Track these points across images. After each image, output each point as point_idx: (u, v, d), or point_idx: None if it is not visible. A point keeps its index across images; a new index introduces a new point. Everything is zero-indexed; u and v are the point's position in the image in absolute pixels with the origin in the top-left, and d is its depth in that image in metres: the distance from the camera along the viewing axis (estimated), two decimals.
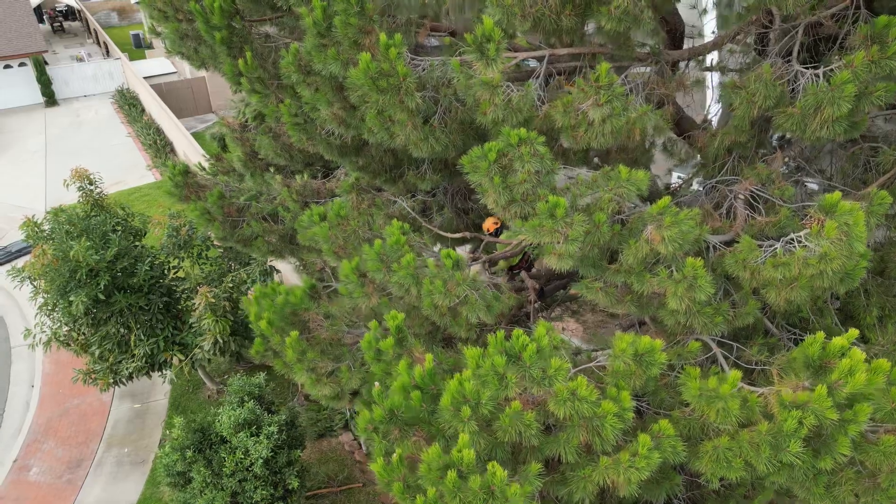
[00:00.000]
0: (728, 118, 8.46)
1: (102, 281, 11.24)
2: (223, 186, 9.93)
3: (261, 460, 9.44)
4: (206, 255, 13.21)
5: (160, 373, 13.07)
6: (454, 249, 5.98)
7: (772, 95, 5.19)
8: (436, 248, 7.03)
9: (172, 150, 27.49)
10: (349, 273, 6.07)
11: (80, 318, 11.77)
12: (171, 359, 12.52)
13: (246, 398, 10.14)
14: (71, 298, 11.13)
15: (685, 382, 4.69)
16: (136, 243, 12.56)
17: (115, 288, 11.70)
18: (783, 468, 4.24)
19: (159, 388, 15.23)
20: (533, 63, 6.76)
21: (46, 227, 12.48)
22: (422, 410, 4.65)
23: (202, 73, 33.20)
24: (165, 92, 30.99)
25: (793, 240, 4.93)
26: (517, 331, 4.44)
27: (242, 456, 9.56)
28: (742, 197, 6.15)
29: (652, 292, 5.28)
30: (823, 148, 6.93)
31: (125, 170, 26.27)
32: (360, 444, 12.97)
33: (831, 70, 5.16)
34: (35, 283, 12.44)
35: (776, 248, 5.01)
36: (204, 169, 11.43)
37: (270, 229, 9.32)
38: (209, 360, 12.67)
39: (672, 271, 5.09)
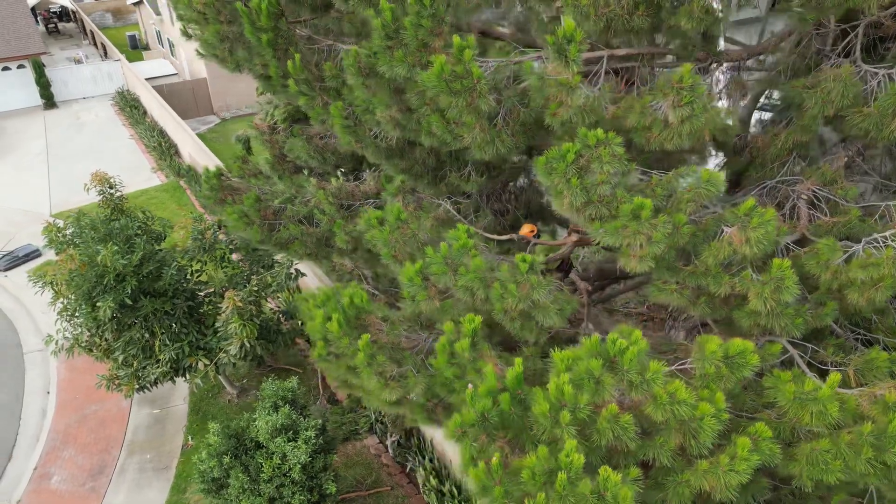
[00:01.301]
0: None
1: (129, 285, 11.11)
2: (258, 189, 9.85)
3: (299, 465, 9.35)
4: (229, 258, 13.08)
5: (185, 378, 12.93)
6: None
7: (849, 95, 5.18)
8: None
9: (177, 153, 27.27)
10: (413, 276, 6.00)
11: (104, 323, 11.61)
12: (196, 364, 12.38)
13: (280, 403, 10.03)
14: (98, 304, 10.98)
15: (776, 385, 4.67)
16: (159, 247, 12.42)
17: (140, 292, 11.57)
18: (881, 469, 4.22)
19: (178, 392, 15.09)
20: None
21: (68, 231, 12.34)
22: (511, 414, 4.60)
23: (203, 74, 33.04)
24: (167, 93, 30.77)
25: (876, 240, 4.93)
26: (612, 335, 4.40)
27: (280, 461, 9.46)
28: (805, 197, 6.14)
29: (729, 293, 5.27)
30: (876, 148, 6.92)
31: (129, 172, 25.97)
32: (386, 448, 12.90)
33: None
34: (56, 288, 12.28)
35: (857, 249, 5.00)
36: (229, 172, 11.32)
37: (308, 232, 9.24)
38: (234, 364, 12.54)
39: (752, 273, 5.07)
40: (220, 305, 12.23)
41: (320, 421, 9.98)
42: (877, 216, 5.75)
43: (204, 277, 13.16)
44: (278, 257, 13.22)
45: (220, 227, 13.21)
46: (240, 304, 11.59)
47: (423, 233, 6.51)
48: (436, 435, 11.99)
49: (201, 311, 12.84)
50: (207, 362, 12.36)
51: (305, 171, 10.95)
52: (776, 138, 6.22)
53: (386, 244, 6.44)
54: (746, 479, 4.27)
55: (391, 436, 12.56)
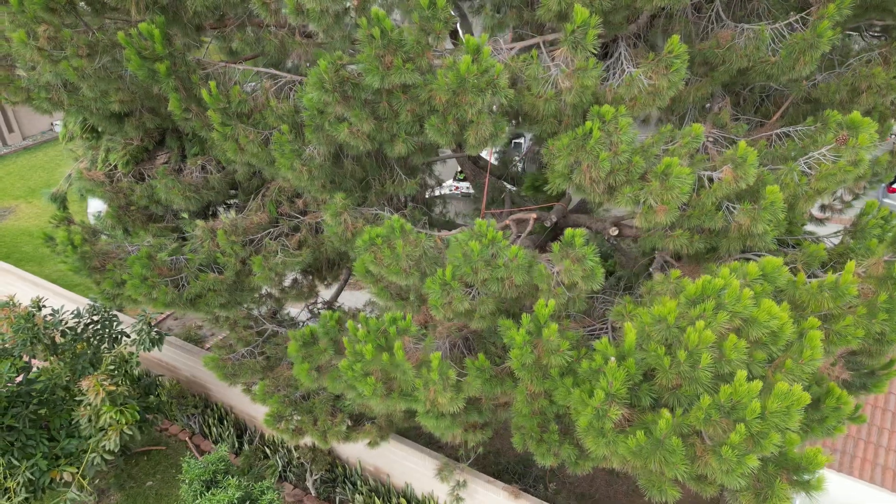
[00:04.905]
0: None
1: None
2: (132, 247, 8.42)
3: None
4: (65, 341, 10.86)
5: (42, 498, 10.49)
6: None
7: (762, 48, 6.40)
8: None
9: None
10: (448, 280, 5.90)
11: None
12: (60, 477, 10.14)
13: (219, 477, 8.84)
14: None
15: (794, 286, 5.72)
16: None
17: None
18: (892, 325, 5.52)
19: None
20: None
21: None
22: (636, 376, 4.94)
23: None
24: None
25: (811, 157, 6.24)
26: (706, 277, 4.98)
27: None
28: (711, 139, 7.40)
29: (722, 226, 6.22)
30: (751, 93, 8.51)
31: None
32: (306, 490, 12.05)
33: (795, 22, 6.51)
34: None
35: (800, 167, 6.29)
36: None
37: (219, 280, 8.21)
38: (107, 460, 10.56)
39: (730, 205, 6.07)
40: (77, 398, 10.15)
41: (273, 480, 9.04)
42: (771, 144, 7.22)
43: (34, 374, 10.75)
44: (133, 322, 11.35)
45: (39, 308, 10.88)
46: (112, 387, 9.79)
47: (428, 240, 6.35)
48: (363, 455, 11.58)
49: (41, 412, 10.50)
50: (75, 470, 10.21)
51: (186, 214, 9.59)
52: (683, 93, 7.33)
53: (395, 260, 6.14)
54: (821, 365, 5.21)
55: (312, 475, 11.77)
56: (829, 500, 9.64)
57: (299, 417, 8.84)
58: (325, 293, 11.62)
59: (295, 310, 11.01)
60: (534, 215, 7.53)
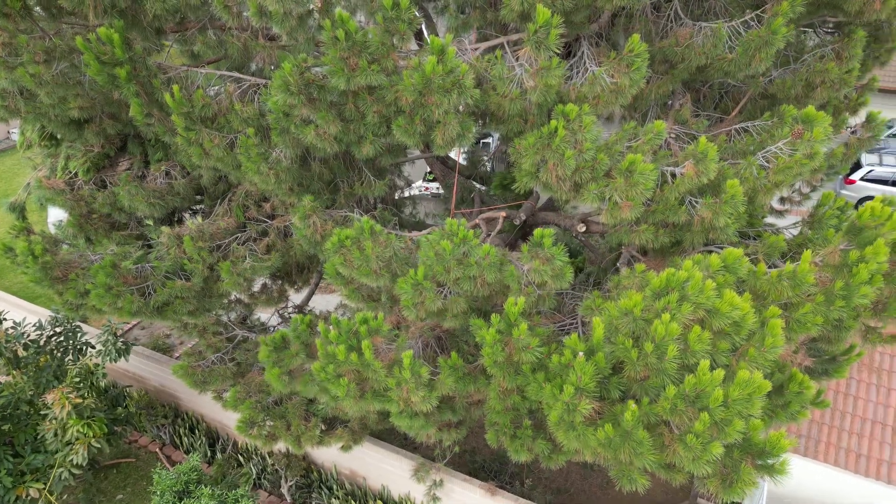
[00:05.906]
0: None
1: None
2: (95, 256, 8.26)
3: None
4: (27, 354, 10.59)
5: None
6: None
7: (719, 46, 6.56)
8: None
9: None
10: (420, 281, 5.91)
11: None
12: (26, 494, 9.90)
13: (191, 487, 8.72)
14: None
15: (756, 276, 5.87)
16: None
17: None
18: (850, 311, 5.70)
19: None
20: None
21: None
22: (605, 369, 5.02)
23: None
24: None
25: (769, 151, 6.41)
26: (670, 269, 5.09)
27: None
28: (673, 135, 7.56)
29: (685, 220, 6.35)
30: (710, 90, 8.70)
31: None
32: (281, 496, 11.95)
33: (751, 20, 6.69)
34: None
35: (758, 161, 6.45)
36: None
37: (187, 287, 8.10)
38: (75, 475, 10.33)
39: (694, 199, 6.20)
40: (42, 413, 9.92)
41: (247, 488, 8.95)
42: (730, 139, 7.40)
43: None
44: (98, 332, 11.12)
45: (0, 321, 10.61)
46: (78, 400, 9.59)
47: (399, 241, 6.35)
48: (338, 459, 11.52)
49: (4, 428, 10.24)
50: (41, 486, 9.97)
51: (151, 221, 9.43)
52: (644, 91, 7.46)
53: (365, 261, 6.14)
54: (781, 352, 5.36)
55: (287, 481, 11.67)
56: (794, 484, 9.92)
57: (272, 423, 8.77)
58: (296, 297, 11.55)
59: (265, 315, 10.91)
60: (503, 214, 7.59)
